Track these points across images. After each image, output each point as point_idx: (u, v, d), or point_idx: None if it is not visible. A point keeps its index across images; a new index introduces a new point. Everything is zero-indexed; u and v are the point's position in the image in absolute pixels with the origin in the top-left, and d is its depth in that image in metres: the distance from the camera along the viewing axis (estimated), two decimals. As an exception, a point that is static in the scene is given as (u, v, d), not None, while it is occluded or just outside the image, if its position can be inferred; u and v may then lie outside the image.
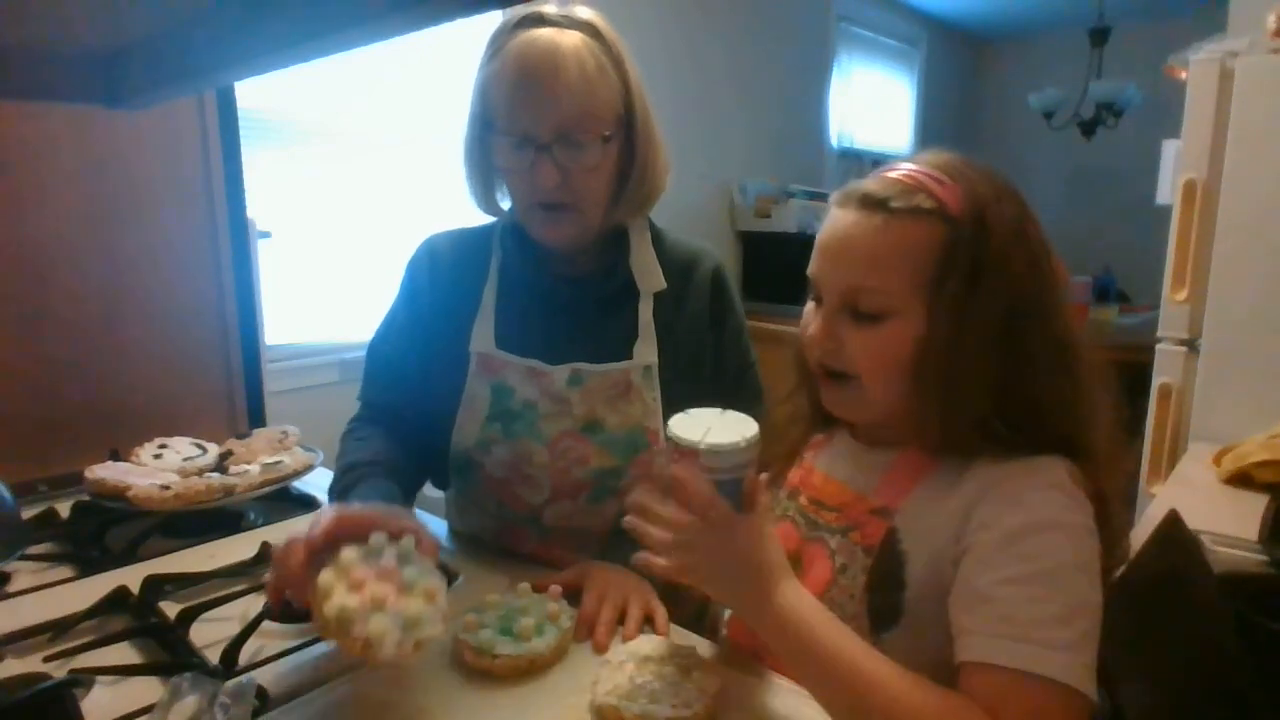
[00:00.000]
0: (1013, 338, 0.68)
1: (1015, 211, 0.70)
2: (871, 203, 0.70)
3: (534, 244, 0.99)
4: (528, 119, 0.88)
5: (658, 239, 1.04)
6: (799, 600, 0.64)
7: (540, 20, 0.89)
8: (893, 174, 0.72)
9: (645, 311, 0.99)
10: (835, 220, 0.73)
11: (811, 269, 0.76)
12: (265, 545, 0.97)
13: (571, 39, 0.88)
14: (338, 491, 0.89)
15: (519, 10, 0.91)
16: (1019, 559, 0.62)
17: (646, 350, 0.97)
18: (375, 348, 1.06)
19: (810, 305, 0.77)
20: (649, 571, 0.70)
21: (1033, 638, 0.59)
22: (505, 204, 1.01)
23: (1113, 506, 0.70)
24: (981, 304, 0.67)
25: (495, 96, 0.90)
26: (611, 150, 0.93)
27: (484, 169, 0.97)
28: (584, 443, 0.97)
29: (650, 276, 1.00)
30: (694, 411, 0.71)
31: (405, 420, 1.01)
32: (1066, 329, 0.71)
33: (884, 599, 0.69)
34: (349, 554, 0.66)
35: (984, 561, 0.64)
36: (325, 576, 0.65)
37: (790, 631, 0.63)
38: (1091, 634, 0.61)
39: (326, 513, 0.72)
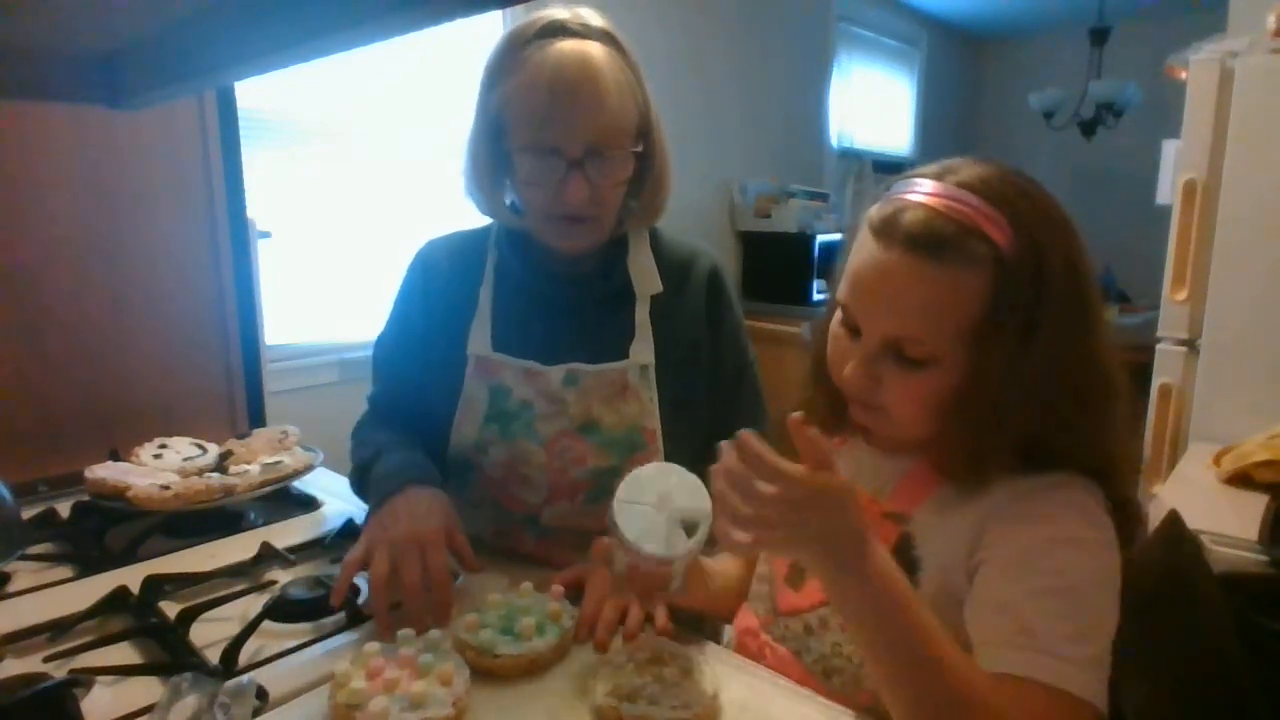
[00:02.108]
0: (1059, 378, 0.65)
1: (1065, 239, 0.66)
2: (919, 247, 0.64)
3: (532, 245, 0.99)
4: (560, 134, 0.87)
5: (654, 239, 1.04)
6: (891, 566, 0.61)
7: (563, 30, 0.88)
8: (934, 201, 0.65)
9: (642, 311, 0.99)
10: (877, 259, 0.67)
11: (845, 298, 0.71)
12: (265, 545, 0.97)
13: (599, 51, 0.87)
14: (367, 462, 0.95)
15: (536, 19, 0.89)
16: (1041, 573, 0.62)
17: (643, 350, 0.97)
18: (376, 353, 1.09)
19: (840, 329, 0.73)
20: (728, 545, 0.63)
21: (1053, 651, 0.59)
22: (508, 205, 1.01)
23: (1131, 520, 0.69)
24: (1034, 353, 0.64)
25: (523, 110, 0.88)
26: (635, 162, 0.93)
27: (494, 178, 0.96)
28: (581, 443, 0.97)
29: (647, 280, 1.00)
30: (646, 474, 0.71)
31: (407, 422, 1.02)
32: (1108, 362, 0.69)
33: None
34: (371, 646, 0.70)
35: (1005, 575, 0.63)
36: (342, 666, 0.68)
37: (885, 596, 0.59)
38: (1108, 649, 0.61)
39: (432, 525, 0.83)
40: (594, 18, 0.91)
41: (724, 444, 0.63)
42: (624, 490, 0.71)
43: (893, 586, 0.60)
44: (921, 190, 0.67)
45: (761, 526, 0.60)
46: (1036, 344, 0.64)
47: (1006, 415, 0.65)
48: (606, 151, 0.88)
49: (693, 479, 0.71)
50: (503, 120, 0.91)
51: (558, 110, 0.86)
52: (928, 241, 0.64)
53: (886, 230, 0.66)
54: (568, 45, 0.86)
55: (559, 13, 0.89)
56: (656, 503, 0.69)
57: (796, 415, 0.62)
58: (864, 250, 0.69)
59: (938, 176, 0.68)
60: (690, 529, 0.69)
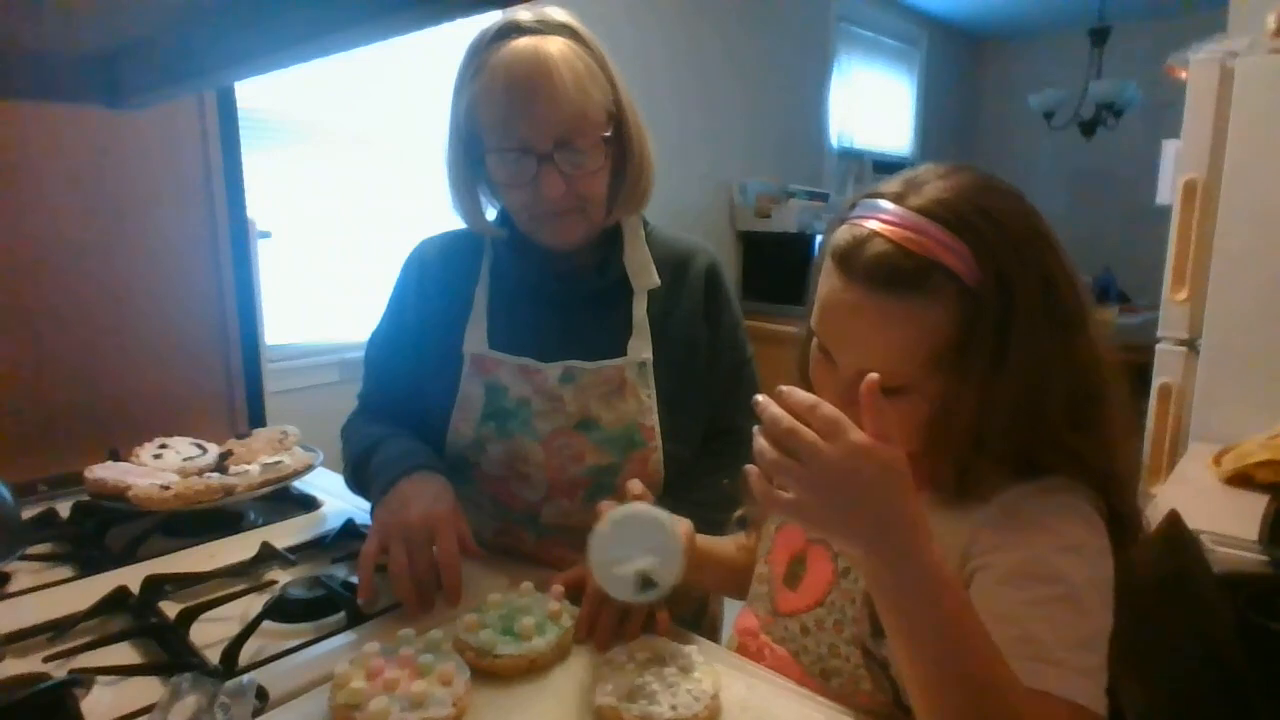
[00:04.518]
0: (1043, 397, 0.64)
1: (1036, 257, 0.64)
2: (880, 284, 0.63)
3: (527, 243, 1.00)
4: (525, 130, 0.87)
5: (648, 234, 1.04)
6: (947, 565, 0.57)
7: (518, 29, 0.88)
8: (893, 232, 0.63)
9: (639, 308, 0.99)
10: (840, 295, 0.66)
11: (816, 326, 0.71)
12: (265, 545, 0.97)
13: (556, 44, 0.87)
14: (365, 451, 0.95)
15: (492, 22, 0.89)
16: (1041, 582, 0.61)
17: (641, 346, 0.97)
18: (368, 351, 1.09)
19: (817, 353, 0.72)
20: (767, 504, 0.58)
21: (1058, 660, 0.58)
22: (491, 216, 1.01)
23: (1129, 531, 0.69)
24: (1009, 377, 0.62)
25: (486, 114, 0.89)
26: (609, 150, 0.92)
27: (470, 187, 0.97)
28: (579, 440, 0.97)
29: (644, 274, 1.00)
30: (630, 519, 0.75)
31: (401, 420, 1.02)
32: (1098, 376, 0.67)
33: None
34: (371, 647, 0.70)
35: (1004, 583, 0.63)
36: (342, 666, 0.68)
37: (939, 601, 0.55)
38: (1105, 657, 0.60)
39: (442, 509, 0.84)
40: (557, 13, 0.90)
41: (763, 399, 0.58)
42: (604, 536, 0.75)
43: (949, 590, 0.56)
44: (882, 215, 0.65)
45: (804, 487, 0.55)
46: (1010, 368, 0.62)
47: (986, 439, 0.65)
48: (574, 142, 0.88)
49: (674, 540, 0.74)
50: (472, 128, 0.92)
51: (518, 108, 0.86)
52: (887, 278, 0.63)
53: (847, 263, 0.65)
54: (520, 43, 0.87)
55: (518, 13, 0.89)
56: (627, 555, 0.73)
57: (873, 376, 0.57)
58: (829, 281, 0.68)
59: (898, 198, 0.66)
60: (648, 583, 0.73)
